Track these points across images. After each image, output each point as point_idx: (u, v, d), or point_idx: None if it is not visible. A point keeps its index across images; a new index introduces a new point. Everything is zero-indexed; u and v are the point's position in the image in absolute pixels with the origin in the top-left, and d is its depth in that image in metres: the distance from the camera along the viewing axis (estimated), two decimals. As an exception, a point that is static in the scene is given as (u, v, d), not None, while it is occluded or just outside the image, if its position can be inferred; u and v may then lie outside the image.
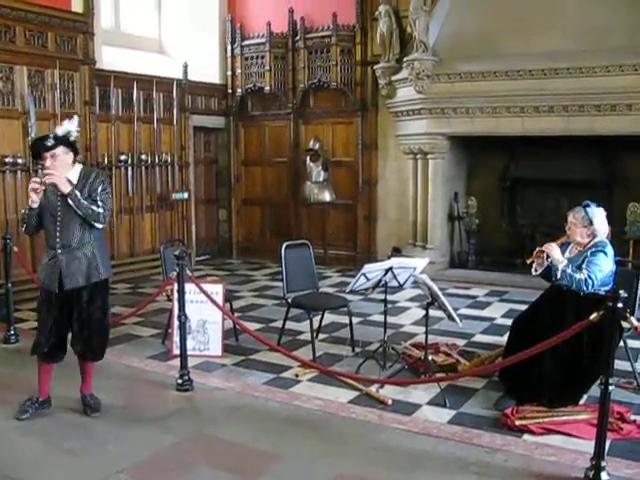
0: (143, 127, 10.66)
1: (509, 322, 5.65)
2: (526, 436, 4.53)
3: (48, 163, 4.72)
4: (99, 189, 4.79)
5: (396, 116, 10.52)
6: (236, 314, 7.31)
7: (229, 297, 7.20)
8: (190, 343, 5.92)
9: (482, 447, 4.37)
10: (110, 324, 5.25)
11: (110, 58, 10.24)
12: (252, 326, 7.01)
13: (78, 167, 4.88)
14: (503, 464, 4.14)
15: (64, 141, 4.78)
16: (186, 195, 11.43)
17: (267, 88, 11.71)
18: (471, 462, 4.16)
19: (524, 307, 5.72)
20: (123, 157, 10.30)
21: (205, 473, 4.11)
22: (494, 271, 10.03)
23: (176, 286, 5.65)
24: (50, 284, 4.77)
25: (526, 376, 4.94)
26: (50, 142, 4.70)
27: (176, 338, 6.03)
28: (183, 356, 5.55)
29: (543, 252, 5.15)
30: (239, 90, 12.12)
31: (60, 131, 4.80)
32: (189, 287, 5.77)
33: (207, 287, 5.99)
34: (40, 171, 5.22)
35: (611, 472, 3.87)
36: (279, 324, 6.91)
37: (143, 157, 10.62)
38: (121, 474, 4.02)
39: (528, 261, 5.36)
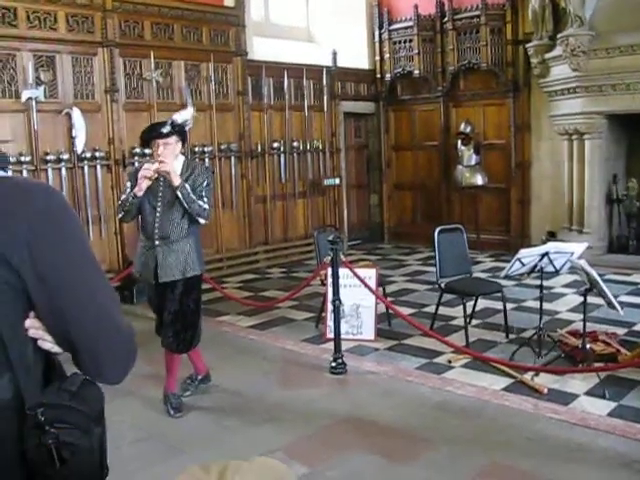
0: (294, 115, 10.87)
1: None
2: (693, 433, 4.27)
3: (160, 150, 4.60)
4: (204, 184, 4.71)
5: (550, 96, 10.15)
6: (389, 299, 7.33)
7: (382, 281, 7.22)
8: (343, 327, 5.97)
9: (646, 443, 4.16)
10: (201, 318, 5.09)
11: (261, 49, 10.49)
12: (405, 311, 6.97)
13: (182, 158, 4.81)
14: (669, 462, 3.92)
15: (180, 130, 4.71)
16: (338, 181, 11.56)
17: (416, 72, 11.61)
18: (635, 459, 3.95)
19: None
20: (275, 145, 10.55)
21: (357, 455, 4.16)
22: (657, 256, 9.51)
23: (330, 270, 5.73)
24: (147, 274, 4.77)
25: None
26: (167, 129, 4.61)
27: (330, 322, 6.13)
28: (337, 340, 5.63)
29: None
30: (388, 75, 12.10)
31: (179, 118, 4.67)
32: (343, 271, 5.83)
33: (360, 272, 6.04)
34: (149, 158, 5.04)
35: None
36: (432, 309, 6.88)
37: (295, 144, 10.83)
38: (276, 452, 4.12)
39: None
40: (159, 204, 4.68)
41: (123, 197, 4.78)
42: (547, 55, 9.90)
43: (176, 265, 4.69)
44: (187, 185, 4.61)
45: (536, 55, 10.09)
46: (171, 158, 4.63)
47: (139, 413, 4.89)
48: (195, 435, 4.49)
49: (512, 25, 10.67)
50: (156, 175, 4.59)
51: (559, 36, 9.42)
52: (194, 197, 4.62)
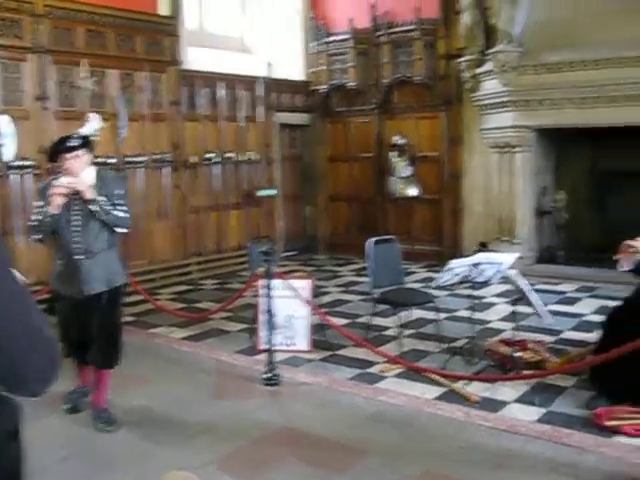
0: (229, 125, 10.84)
1: (599, 318, 5.53)
2: (618, 437, 4.39)
3: (68, 165, 4.51)
4: (119, 192, 4.65)
5: (481, 109, 10.38)
6: (323, 309, 7.33)
7: (316, 292, 7.24)
8: (277, 338, 5.96)
9: (572, 447, 4.27)
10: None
11: (196, 58, 10.44)
12: (339, 321, 7.03)
13: (92, 169, 4.69)
14: (595, 466, 4.04)
15: (87, 142, 4.63)
16: (274, 192, 11.56)
17: (351, 84, 11.72)
18: (561, 462, 4.07)
19: (615, 303, 5.55)
20: (210, 155, 10.50)
21: (291, 467, 4.15)
22: (584, 266, 9.76)
23: (263, 282, 5.72)
24: (70, 290, 4.64)
25: (619, 375, 4.80)
26: (75, 142, 4.51)
27: (263, 333, 6.11)
28: (270, 351, 5.62)
29: (631, 247, 4.99)
30: (323, 87, 12.18)
31: (85, 130, 4.58)
32: (276, 283, 5.82)
33: (294, 283, 6.05)
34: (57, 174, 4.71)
35: None
36: (365, 320, 6.94)
37: (229, 155, 10.79)
38: (209, 466, 4.09)
39: (615, 257, 5.19)
40: (75, 219, 4.55)
41: (34, 217, 4.60)
42: (478, 70, 10.12)
43: (101, 277, 4.62)
44: (100, 197, 4.52)
45: (468, 70, 10.30)
46: (81, 171, 4.55)
47: (66, 430, 4.77)
48: (125, 451, 4.42)
49: (445, 40, 10.87)
50: (70, 191, 4.46)
51: (489, 52, 9.66)
52: (109, 208, 4.54)
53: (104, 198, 4.54)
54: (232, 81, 10.77)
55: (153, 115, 9.61)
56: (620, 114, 8.86)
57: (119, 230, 4.67)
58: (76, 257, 4.56)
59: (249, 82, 11.08)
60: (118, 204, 4.61)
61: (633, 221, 9.16)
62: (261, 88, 11.24)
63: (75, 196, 4.51)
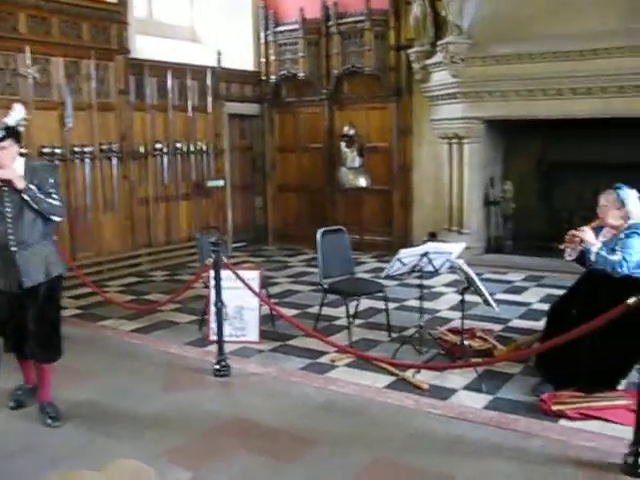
0: (178, 115, 10.73)
1: (546, 307, 5.64)
2: (563, 421, 4.52)
3: None
4: (50, 180, 4.58)
5: (431, 101, 10.47)
6: (272, 300, 7.36)
7: (266, 283, 7.25)
8: (227, 329, 5.96)
9: (518, 432, 4.38)
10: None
11: (144, 47, 10.34)
12: (288, 312, 7.04)
13: (21, 160, 4.59)
14: (540, 449, 4.14)
15: (13, 132, 4.54)
16: (222, 182, 11.49)
17: (301, 74, 11.70)
18: (507, 447, 4.17)
19: (561, 292, 5.69)
20: (158, 145, 10.39)
21: (241, 458, 4.16)
22: (531, 256, 9.94)
23: (212, 273, 5.71)
24: (6, 283, 4.55)
25: (563, 362, 4.92)
26: (1, 133, 4.43)
27: (213, 324, 6.10)
28: (220, 342, 5.62)
29: (576, 236, 5.11)
30: (273, 77, 12.15)
31: (10, 121, 4.50)
32: (225, 274, 5.79)
33: (243, 273, 6.03)
34: None
35: (650, 458, 3.85)
36: (315, 310, 6.97)
37: (178, 145, 10.69)
38: (160, 458, 4.08)
39: (561, 246, 5.31)
40: (8, 210, 4.48)
41: None
42: (428, 61, 10.21)
43: (39, 268, 4.56)
44: (32, 186, 4.45)
45: (417, 61, 10.38)
46: (10, 162, 4.47)
47: (13, 426, 4.69)
48: (74, 445, 4.37)
49: (395, 31, 10.94)
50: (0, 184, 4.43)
51: (439, 43, 9.74)
52: (42, 196, 4.48)
53: (35, 187, 4.47)
54: (181, 70, 10.66)
55: (100, 104, 9.46)
56: (566, 107, 9.03)
57: (54, 218, 4.62)
58: (12, 249, 4.50)
59: (199, 72, 10.98)
60: (50, 193, 4.56)
61: (579, 211, 9.41)
62: (211, 78, 11.16)
63: (5, 187, 4.45)
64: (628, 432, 3.97)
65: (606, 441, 4.22)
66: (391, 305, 7.04)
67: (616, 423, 4.43)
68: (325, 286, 6.55)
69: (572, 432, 4.36)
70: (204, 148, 11.18)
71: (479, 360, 5.57)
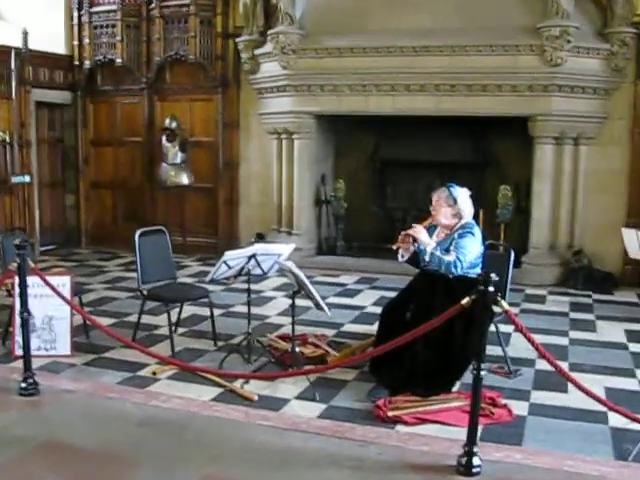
0: (-24, 101, 10.18)
1: (380, 310, 5.78)
2: (399, 427, 4.65)
3: None
4: None
5: (259, 93, 10.52)
6: (86, 309, 7.14)
7: (78, 290, 7.00)
8: (34, 342, 5.75)
9: (354, 441, 4.45)
10: None
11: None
12: (104, 321, 6.88)
13: None
14: (377, 457, 4.23)
15: None
16: (28, 178, 10.97)
17: (119, 60, 11.37)
18: (344, 456, 4.23)
19: (395, 294, 5.86)
20: (-48, 135, 9.81)
21: (54, 485, 3.98)
22: (364, 257, 10.22)
23: (17, 279, 5.46)
24: None
25: (398, 366, 5.08)
26: None
27: (18, 337, 5.80)
28: (27, 357, 5.35)
29: (409, 236, 5.29)
30: (87, 62, 11.72)
31: None
32: (32, 280, 5.55)
33: (52, 279, 5.79)
34: None
35: (482, 457, 4.04)
36: (134, 318, 6.81)
37: (-24, 135, 10.14)
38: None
39: (394, 247, 5.48)
40: None
41: None
42: (257, 51, 10.25)
43: None
44: None
45: (246, 50, 10.39)
46: None
47: None
48: None
49: (223, 17, 10.88)
50: None
51: (269, 32, 9.82)
52: None
53: None
54: (-20, 50, 10.11)
55: None
56: (399, 103, 9.36)
57: None
58: None
59: (1, 53, 10.43)
60: None
61: (412, 210, 9.78)
62: (15, 60, 10.62)
63: None
64: (463, 433, 4.14)
65: (441, 444, 4.39)
66: (217, 311, 7.01)
67: (452, 425, 4.63)
68: (144, 292, 6.43)
69: (408, 437, 4.50)
70: (7, 139, 10.62)
71: (312, 367, 5.62)
